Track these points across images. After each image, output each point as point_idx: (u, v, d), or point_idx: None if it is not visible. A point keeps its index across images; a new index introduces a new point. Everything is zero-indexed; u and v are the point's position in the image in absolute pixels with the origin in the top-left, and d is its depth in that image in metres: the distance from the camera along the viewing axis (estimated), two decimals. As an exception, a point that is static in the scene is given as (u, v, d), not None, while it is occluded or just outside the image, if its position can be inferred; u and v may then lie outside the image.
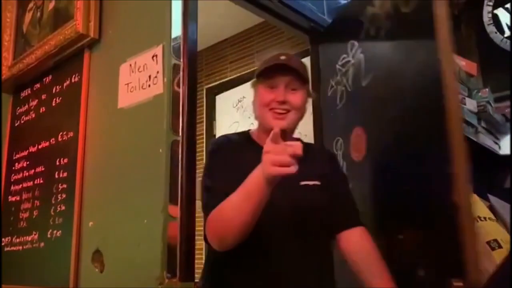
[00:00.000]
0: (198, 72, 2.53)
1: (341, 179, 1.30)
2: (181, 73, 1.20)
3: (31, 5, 1.62)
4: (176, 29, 1.21)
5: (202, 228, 1.06)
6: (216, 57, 3.40)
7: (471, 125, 1.63)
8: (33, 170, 1.52)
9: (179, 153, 1.17)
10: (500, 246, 1.26)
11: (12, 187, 1.60)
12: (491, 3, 2.17)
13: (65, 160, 1.39)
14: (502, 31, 2.11)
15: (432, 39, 1.18)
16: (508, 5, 2.13)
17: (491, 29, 2.14)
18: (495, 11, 2.15)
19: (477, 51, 2.15)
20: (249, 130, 1.31)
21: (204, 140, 3.29)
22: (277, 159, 0.88)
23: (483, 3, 2.19)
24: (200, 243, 1.14)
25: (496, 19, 2.14)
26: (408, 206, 1.30)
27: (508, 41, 2.09)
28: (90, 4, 1.38)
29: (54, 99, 1.49)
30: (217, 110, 3.35)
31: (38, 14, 1.57)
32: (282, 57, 1.19)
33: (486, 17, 2.17)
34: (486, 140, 1.73)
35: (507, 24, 2.11)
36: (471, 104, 1.65)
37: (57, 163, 1.42)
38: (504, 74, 1.88)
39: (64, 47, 1.43)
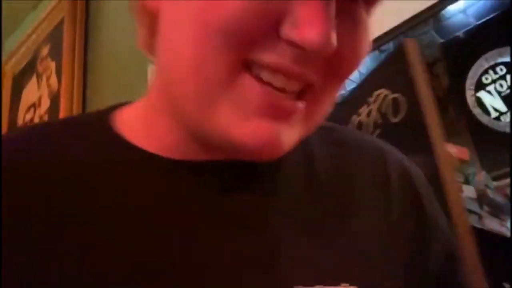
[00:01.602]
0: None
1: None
2: None
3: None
4: None
5: None
6: None
7: (474, 213, 1.62)
8: None
9: None
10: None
11: None
12: (472, 87, 2.26)
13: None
14: (488, 113, 2.18)
15: (424, 149, 1.17)
16: (490, 87, 2.20)
17: (477, 111, 2.21)
18: (478, 94, 2.23)
19: (468, 133, 2.21)
20: (106, 111, 0.45)
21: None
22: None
23: (465, 87, 2.28)
24: None
25: (480, 102, 2.22)
26: None
27: (497, 122, 2.14)
28: None
29: None
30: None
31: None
32: None
33: (470, 100, 2.25)
34: (492, 224, 1.72)
35: (491, 106, 2.18)
36: (469, 191, 1.65)
37: None
38: (498, 152, 1.92)
39: None
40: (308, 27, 0.31)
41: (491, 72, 2.18)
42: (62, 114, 1.48)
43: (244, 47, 0.33)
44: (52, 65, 1.64)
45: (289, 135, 0.35)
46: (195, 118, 0.36)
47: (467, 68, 2.23)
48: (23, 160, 0.39)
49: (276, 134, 0.34)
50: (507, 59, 2.09)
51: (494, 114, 2.17)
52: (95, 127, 0.43)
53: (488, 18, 2.12)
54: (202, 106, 0.35)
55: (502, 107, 2.14)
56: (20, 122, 1.77)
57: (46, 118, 1.62)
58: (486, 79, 2.19)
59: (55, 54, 1.64)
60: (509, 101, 2.11)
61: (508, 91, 2.11)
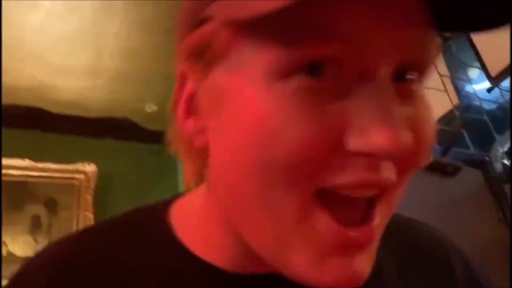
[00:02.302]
0: None
1: None
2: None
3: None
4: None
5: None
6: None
7: None
8: None
9: None
10: None
11: None
12: None
13: None
14: None
15: None
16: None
17: None
18: None
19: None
20: (164, 205, 0.46)
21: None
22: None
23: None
24: None
25: None
26: None
27: None
28: None
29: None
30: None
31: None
32: None
33: None
34: None
35: None
36: None
37: None
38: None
39: None
40: (373, 132, 0.28)
41: None
42: None
43: (313, 178, 0.30)
44: None
45: (368, 261, 0.33)
46: (270, 255, 0.34)
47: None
48: (76, 261, 0.41)
49: (356, 269, 0.32)
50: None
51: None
52: (152, 226, 0.43)
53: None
54: (277, 245, 0.33)
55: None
56: None
57: None
58: None
59: None
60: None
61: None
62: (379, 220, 0.33)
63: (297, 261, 0.32)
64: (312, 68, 0.29)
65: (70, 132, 2.43)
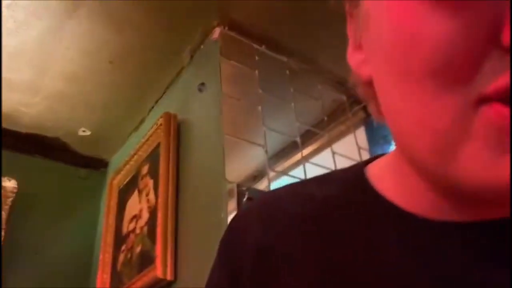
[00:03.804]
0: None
1: None
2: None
3: (123, 247, 2.01)
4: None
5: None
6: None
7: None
8: None
9: None
10: None
11: None
12: None
13: None
14: None
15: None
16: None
17: None
18: None
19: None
20: (364, 163, 0.48)
21: None
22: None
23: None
24: None
25: None
26: None
27: None
28: (167, 251, 1.70)
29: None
30: None
31: (129, 255, 1.94)
32: None
33: None
34: None
35: None
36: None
37: None
38: None
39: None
40: None
41: None
42: (159, 227, 1.74)
43: (469, 79, 0.27)
44: (151, 182, 1.94)
45: None
46: (438, 171, 0.32)
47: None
48: (280, 196, 0.49)
49: None
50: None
51: None
52: (349, 175, 0.46)
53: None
54: (441, 156, 0.30)
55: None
56: (124, 230, 2.05)
57: (145, 229, 1.87)
58: None
59: (153, 173, 1.93)
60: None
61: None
62: None
63: (466, 166, 0.29)
64: None
65: (-3, 144, 2.40)
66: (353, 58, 0.40)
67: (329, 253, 0.40)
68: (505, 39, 0.25)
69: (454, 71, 0.28)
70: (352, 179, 0.45)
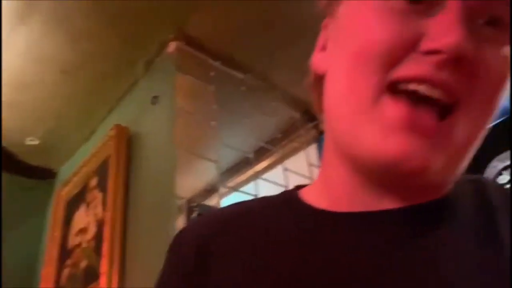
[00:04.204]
0: None
1: None
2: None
3: (68, 261, 1.95)
4: None
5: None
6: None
7: None
8: None
9: None
10: None
11: None
12: None
13: None
14: None
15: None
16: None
17: None
18: None
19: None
20: (297, 187, 0.55)
21: None
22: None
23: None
24: None
25: None
26: None
27: None
28: (113, 267, 1.66)
29: None
30: None
31: (74, 270, 1.89)
32: None
33: None
34: None
35: None
36: None
37: None
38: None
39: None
40: (444, 36, 0.36)
41: (505, 173, 2.15)
42: (106, 242, 1.70)
43: (389, 67, 0.38)
44: (99, 195, 1.90)
45: (433, 155, 0.37)
46: (347, 138, 0.42)
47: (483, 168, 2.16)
48: (227, 211, 0.56)
49: (418, 148, 0.37)
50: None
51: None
52: (286, 195, 0.54)
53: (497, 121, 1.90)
54: (353, 125, 0.41)
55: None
56: (70, 244, 1.99)
57: (92, 244, 1.82)
58: (502, 180, 2.13)
59: (102, 186, 1.89)
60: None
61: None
62: (445, 128, 0.38)
63: (366, 138, 0.39)
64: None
65: None
66: (316, 57, 0.50)
67: (256, 251, 0.46)
68: (423, 47, 0.37)
69: (383, 60, 0.38)
70: (286, 196, 0.53)
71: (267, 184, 1.95)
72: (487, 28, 0.39)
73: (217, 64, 1.93)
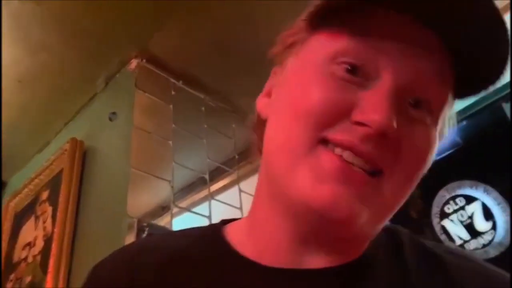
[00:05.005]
0: None
1: None
2: None
3: (12, 276, 1.89)
4: None
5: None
6: None
7: None
8: None
9: None
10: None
11: None
12: (437, 215, 2.32)
13: None
14: (453, 240, 2.21)
15: None
16: (452, 217, 2.26)
17: (443, 237, 2.24)
18: (442, 223, 2.26)
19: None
20: (222, 222, 0.57)
21: None
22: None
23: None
24: None
25: (445, 230, 2.25)
26: None
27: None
28: (58, 284, 1.61)
29: None
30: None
31: (17, 285, 1.84)
32: None
33: (437, 227, 2.29)
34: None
35: (455, 234, 2.21)
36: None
37: None
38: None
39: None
40: (373, 112, 0.40)
41: (452, 202, 2.25)
42: (53, 258, 1.65)
43: (322, 127, 0.42)
44: (49, 209, 1.85)
45: (360, 207, 0.41)
46: (283, 182, 0.45)
47: (432, 197, 2.30)
48: (146, 245, 0.57)
49: (347, 198, 0.41)
50: (466, 191, 2.20)
51: (458, 242, 2.16)
52: (209, 232, 0.55)
53: (446, 154, 2.15)
54: (288, 171, 0.44)
55: (466, 236, 2.14)
56: (16, 257, 1.93)
57: (38, 259, 1.77)
58: (448, 209, 2.24)
59: (53, 199, 1.85)
60: (471, 230, 2.14)
61: (469, 220, 2.15)
62: (373, 181, 0.42)
63: (301, 181, 0.42)
64: (353, 68, 0.44)
65: None
66: (261, 101, 0.55)
67: None
68: (354, 117, 0.42)
69: (317, 120, 0.43)
70: (209, 234, 0.55)
71: (221, 205, 1.96)
72: (413, 109, 0.44)
73: (178, 83, 1.94)
